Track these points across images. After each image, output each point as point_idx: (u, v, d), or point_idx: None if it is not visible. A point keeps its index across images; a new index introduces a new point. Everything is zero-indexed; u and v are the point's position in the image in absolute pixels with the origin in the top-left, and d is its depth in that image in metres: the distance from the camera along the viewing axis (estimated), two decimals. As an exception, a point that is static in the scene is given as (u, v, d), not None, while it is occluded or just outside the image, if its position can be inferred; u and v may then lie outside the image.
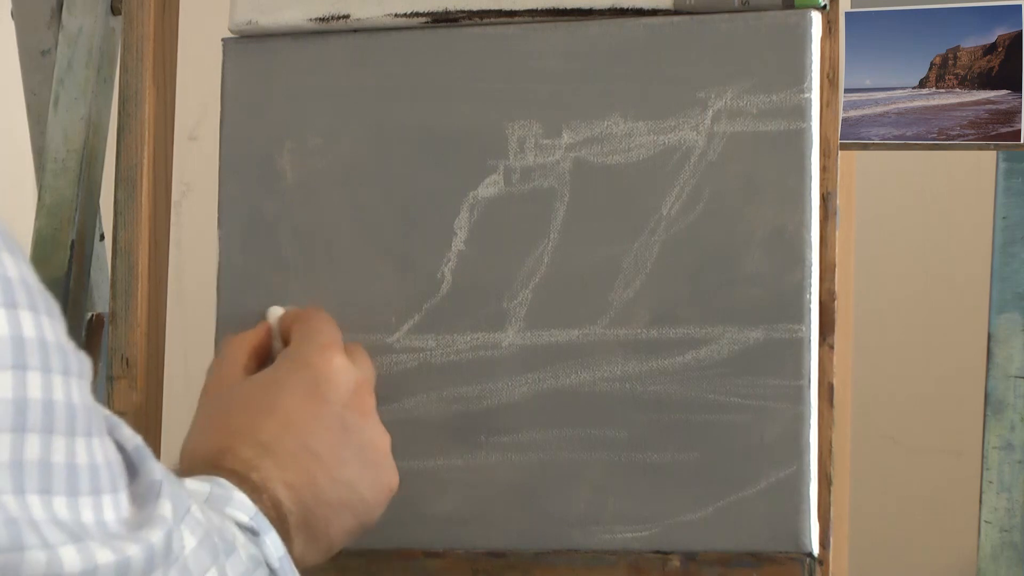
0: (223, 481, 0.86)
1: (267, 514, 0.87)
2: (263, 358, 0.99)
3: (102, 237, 1.18)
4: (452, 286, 1.00)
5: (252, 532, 0.84)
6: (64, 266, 1.14)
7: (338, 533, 0.92)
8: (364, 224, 1.02)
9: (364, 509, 0.93)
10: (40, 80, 1.19)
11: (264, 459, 0.90)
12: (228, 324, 1.03)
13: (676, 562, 0.96)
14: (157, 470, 0.74)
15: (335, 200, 1.03)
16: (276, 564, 0.85)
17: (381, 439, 0.95)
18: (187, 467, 0.90)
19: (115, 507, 0.71)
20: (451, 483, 0.99)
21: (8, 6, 1.19)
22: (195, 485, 0.85)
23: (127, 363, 1.06)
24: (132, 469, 0.73)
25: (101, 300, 1.17)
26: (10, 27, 1.20)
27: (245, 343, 0.99)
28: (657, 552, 0.96)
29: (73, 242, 1.14)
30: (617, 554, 0.97)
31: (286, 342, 0.98)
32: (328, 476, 0.92)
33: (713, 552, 0.95)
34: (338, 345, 0.95)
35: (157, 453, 0.97)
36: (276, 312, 1.01)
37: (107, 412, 0.74)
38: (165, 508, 0.73)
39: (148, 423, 1.06)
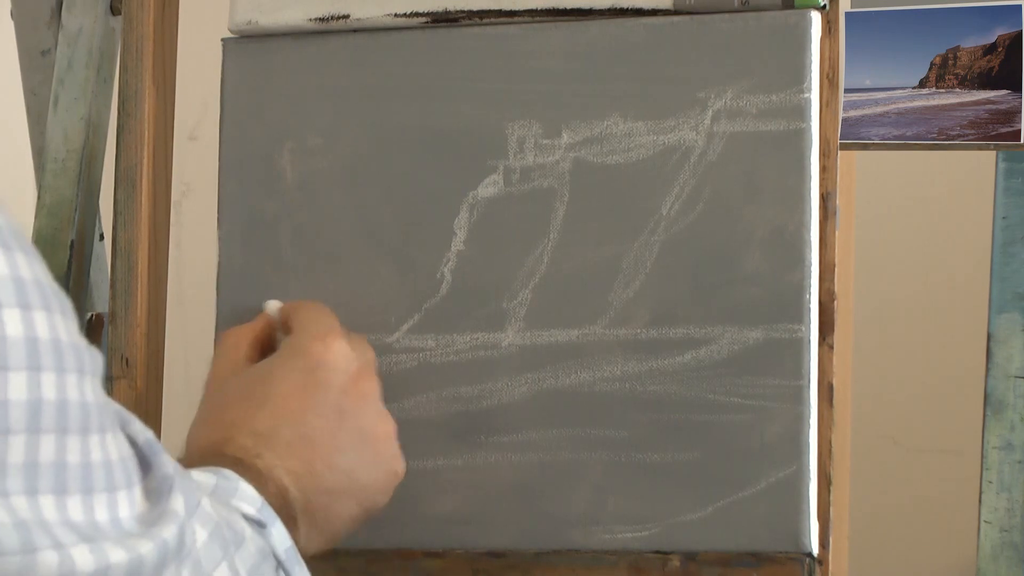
0: (229, 472, 0.86)
1: (272, 502, 0.87)
2: (266, 349, 0.99)
3: (102, 237, 1.18)
4: (452, 286, 1.00)
5: (259, 524, 0.85)
6: (64, 266, 1.14)
7: (341, 520, 0.92)
8: (364, 224, 1.02)
9: (366, 495, 0.93)
10: (40, 80, 1.19)
11: (264, 448, 0.90)
12: (228, 324, 1.03)
13: (676, 562, 0.96)
14: (169, 464, 0.74)
15: (335, 200, 1.03)
16: (283, 556, 0.85)
17: (382, 425, 0.95)
18: (191, 458, 0.90)
19: (129, 503, 0.71)
20: (451, 483, 0.99)
21: (8, 6, 1.19)
22: (201, 477, 0.85)
23: (127, 363, 1.06)
24: (145, 464, 0.74)
25: (101, 300, 1.17)
26: (10, 27, 1.20)
27: (245, 334, 0.99)
28: (657, 552, 0.96)
29: (73, 242, 1.14)
30: (617, 554, 0.97)
31: (287, 333, 0.98)
32: (326, 463, 0.92)
33: (713, 552, 0.95)
34: (337, 332, 0.95)
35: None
36: (275, 305, 1.01)
37: (118, 407, 0.74)
38: (177, 503, 0.73)
39: (148, 423, 1.05)
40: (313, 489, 0.91)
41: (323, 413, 0.93)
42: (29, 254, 0.68)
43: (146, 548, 0.70)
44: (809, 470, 0.94)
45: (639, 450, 0.97)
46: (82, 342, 0.70)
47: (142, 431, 0.75)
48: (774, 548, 0.95)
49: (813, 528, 0.94)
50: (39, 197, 1.15)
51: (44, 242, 1.14)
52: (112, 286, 1.07)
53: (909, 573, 1.80)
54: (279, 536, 0.85)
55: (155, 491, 0.73)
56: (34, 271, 0.68)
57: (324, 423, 0.92)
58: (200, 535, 0.75)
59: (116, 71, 1.13)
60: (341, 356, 0.94)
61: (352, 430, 0.93)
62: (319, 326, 0.95)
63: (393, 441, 0.95)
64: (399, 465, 0.95)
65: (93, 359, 0.70)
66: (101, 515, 0.69)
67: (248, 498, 0.85)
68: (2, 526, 0.65)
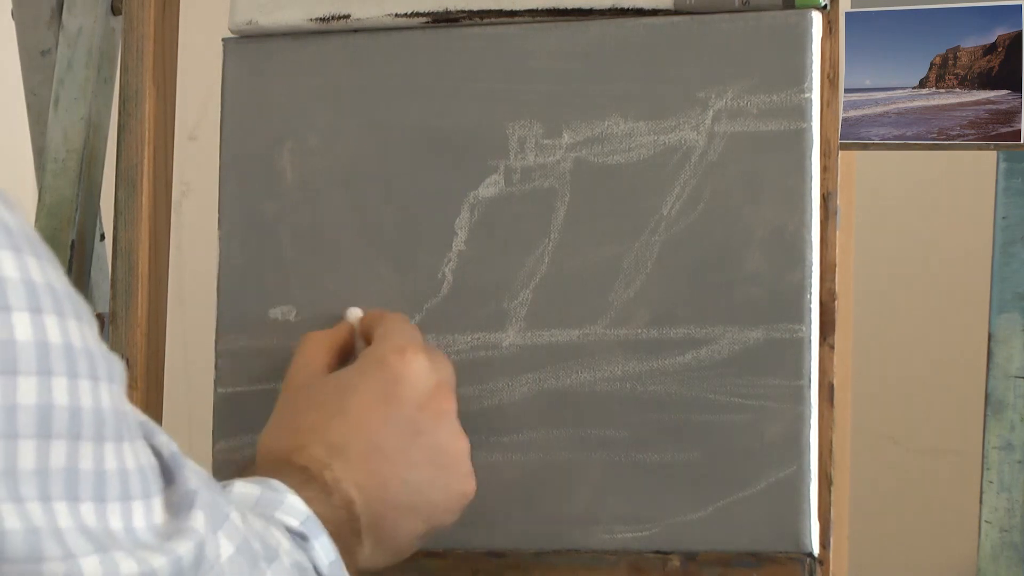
0: (277, 484, 0.85)
1: (337, 515, 0.86)
2: (346, 357, 0.98)
3: (102, 237, 1.18)
4: (452, 286, 1.00)
5: (302, 537, 0.84)
6: (64, 266, 1.14)
7: (407, 536, 0.92)
8: (364, 224, 1.02)
9: (434, 513, 0.92)
10: (40, 80, 1.19)
11: (335, 459, 0.89)
12: (228, 324, 1.03)
13: (676, 562, 0.96)
14: (192, 478, 0.73)
15: (335, 200, 1.03)
16: (325, 571, 0.84)
17: (457, 443, 0.93)
18: (262, 462, 0.90)
19: (147, 514, 0.70)
20: (451, 483, 0.99)
21: (8, 6, 1.19)
22: (244, 488, 0.84)
23: (127, 363, 1.06)
24: (168, 476, 0.73)
25: (101, 300, 1.17)
26: (10, 27, 1.20)
27: (327, 340, 0.97)
28: (657, 552, 0.96)
29: (73, 242, 1.14)
30: (617, 554, 0.97)
31: (368, 343, 0.97)
32: (398, 478, 0.91)
33: (713, 552, 0.95)
34: (417, 346, 0.94)
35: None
36: (356, 313, 1.00)
37: (143, 417, 0.73)
38: (197, 519, 0.72)
39: (148, 423, 1.06)
40: (382, 503, 0.90)
41: (398, 428, 0.91)
42: (42, 257, 0.67)
43: (159, 563, 0.69)
44: (809, 470, 0.94)
45: (639, 450, 0.97)
46: (99, 348, 0.69)
47: (167, 444, 0.74)
48: (774, 548, 0.95)
49: (813, 528, 0.94)
50: (39, 197, 1.15)
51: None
52: (112, 286, 1.07)
53: (909, 573, 1.80)
54: (322, 550, 0.84)
55: (176, 505, 0.72)
56: (46, 275, 0.67)
57: (398, 438, 0.91)
58: (226, 549, 0.74)
59: (116, 71, 1.13)
60: (420, 371, 0.93)
61: (426, 447, 0.92)
62: (399, 338, 0.94)
63: (466, 460, 0.93)
64: (470, 485, 0.93)
65: (110, 365, 0.69)
66: (115, 524, 0.68)
67: (293, 511, 0.84)
68: (12, 533, 0.64)
